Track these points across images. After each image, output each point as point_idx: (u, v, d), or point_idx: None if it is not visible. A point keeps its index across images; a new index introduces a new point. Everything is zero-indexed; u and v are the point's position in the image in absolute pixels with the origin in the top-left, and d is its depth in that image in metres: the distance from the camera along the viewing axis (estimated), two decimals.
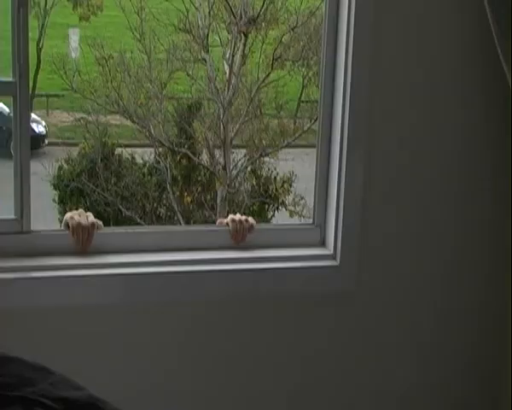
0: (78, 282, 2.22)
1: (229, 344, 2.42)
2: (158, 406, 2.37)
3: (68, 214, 2.31)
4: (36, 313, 2.19)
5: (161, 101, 8.68)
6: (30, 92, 2.34)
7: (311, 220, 2.56)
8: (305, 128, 9.23)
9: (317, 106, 2.62)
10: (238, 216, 2.42)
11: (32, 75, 7.85)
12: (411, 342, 2.60)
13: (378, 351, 2.57)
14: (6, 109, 9.43)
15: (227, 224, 2.43)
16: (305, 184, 8.26)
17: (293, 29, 9.09)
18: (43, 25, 10.42)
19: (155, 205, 8.25)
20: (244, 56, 8.96)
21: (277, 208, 9.47)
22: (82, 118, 9.74)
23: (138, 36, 9.20)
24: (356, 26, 2.31)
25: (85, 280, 2.22)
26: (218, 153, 8.92)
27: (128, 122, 9.29)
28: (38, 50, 10.21)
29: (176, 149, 8.02)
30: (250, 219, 2.44)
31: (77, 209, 2.39)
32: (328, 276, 2.46)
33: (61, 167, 9.10)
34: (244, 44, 8.91)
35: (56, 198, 8.98)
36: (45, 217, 6.85)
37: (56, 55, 9.85)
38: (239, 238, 2.40)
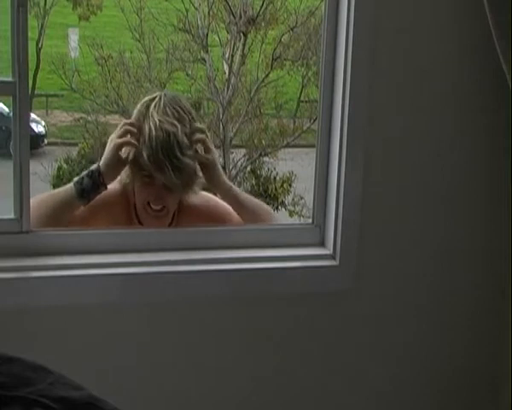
0: (78, 282, 2.22)
1: (227, 344, 2.42)
2: (157, 405, 2.37)
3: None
4: (36, 313, 2.19)
5: None
6: (29, 92, 2.33)
7: (310, 220, 2.56)
8: (305, 128, 9.25)
9: (317, 105, 2.62)
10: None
11: (31, 75, 7.86)
12: (411, 342, 2.60)
13: (378, 351, 2.57)
14: (6, 109, 9.44)
15: None
16: (304, 184, 8.28)
17: (292, 29, 9.10)
18: (42, 24, 10.44)
19: None
20: (243, 56, 8.97)
21: (277, 208, 9.48)
22: (81, 118, 9.75)
23: (137, 36, 9.21)
24: (355, 26, 2.30)
25: (85, 280, 2.22)
26: (217, 153, 8.92)
27: None
28: (38, 50, 10.23)
29: None
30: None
31: None
32: (328, 276, 2.46)
33: (60, 167, 9.11)
34: (243, 44, 8.92)
35: None
36: None
37: (56, 54, 9.86)
38: None
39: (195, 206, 2.47)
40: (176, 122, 2.29)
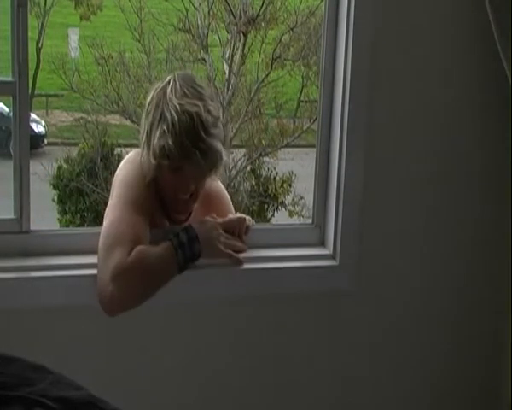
0: (78, 282, 2.22)
1: (227, 344, 2.42)
2: (158, 405, 2.37)
3: None
4: (35, 313, 2.18)
5: None
6: (29, 92, 2.33)
7: (310, 220, 2.56)
8: (305, 128, 9.25)
9: (317, 105, 2.62)
10: (236, 216, 2.38)
11: (31, 75, 7.86)
12: (411, 342, 2.60)
13: (377, 351, 2.57)
14: (6, 109, 9.45)
15: None
16: (304, 184, 8.28)
17: (292, 29, 9.10)
18: (42, 24, 10.44)
19: None
20: (243, 56, 8.97)
21: (277, 208, 9.48)
22: (81, 118, 9.76)
23: (137, 36, 9.21)
24: (355, 26, 2.30)
25: (85, 280, 2.22)
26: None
27: (127, 122, 9.29)
28: (38, 50, 10.23)
29: None
30: (248, 219, 2.40)
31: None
32: (328, 276, 2.46)
33: (60, 167, 9.11)
34: (243, 44, 8.92)
35: (56, 198, 8.99)
36: (45, 217, 6.86)
37: (56, 54, 9.86)
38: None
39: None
40: (196, 101, 2.15)
